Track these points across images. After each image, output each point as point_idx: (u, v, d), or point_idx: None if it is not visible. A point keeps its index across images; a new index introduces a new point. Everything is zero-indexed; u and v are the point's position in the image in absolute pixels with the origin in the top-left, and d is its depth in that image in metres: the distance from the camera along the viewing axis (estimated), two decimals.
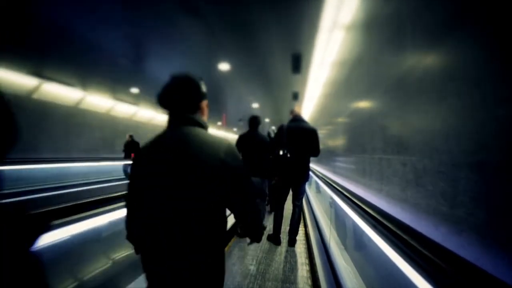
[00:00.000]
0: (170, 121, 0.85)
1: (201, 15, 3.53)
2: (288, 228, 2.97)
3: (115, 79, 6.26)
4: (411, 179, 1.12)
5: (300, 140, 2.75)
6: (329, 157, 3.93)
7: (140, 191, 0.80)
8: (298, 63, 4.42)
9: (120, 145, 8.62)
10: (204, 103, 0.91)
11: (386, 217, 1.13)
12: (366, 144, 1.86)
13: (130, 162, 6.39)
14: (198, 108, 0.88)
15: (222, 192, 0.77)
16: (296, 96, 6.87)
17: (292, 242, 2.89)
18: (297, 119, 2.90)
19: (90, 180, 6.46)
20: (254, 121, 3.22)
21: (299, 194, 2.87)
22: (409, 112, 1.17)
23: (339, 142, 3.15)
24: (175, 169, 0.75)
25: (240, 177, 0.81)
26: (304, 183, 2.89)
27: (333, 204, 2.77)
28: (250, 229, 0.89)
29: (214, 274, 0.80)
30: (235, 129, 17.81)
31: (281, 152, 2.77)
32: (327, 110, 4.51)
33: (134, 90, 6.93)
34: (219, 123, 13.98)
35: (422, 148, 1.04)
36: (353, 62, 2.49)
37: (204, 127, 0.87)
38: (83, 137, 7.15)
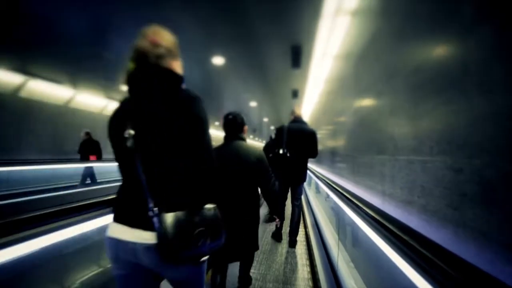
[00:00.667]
0: (228, 138, 1.57)
1: (192, 2, 3.15)
2: (288, 229, 3.00)
3: (105, 75, 5.88)
4: (472, 192, 0.74)
5: (300, 141, 2.80)
6: (333, 158, 3.56)
7: (222, 170, 1.35)
8: (298, 56, 4.03)
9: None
10: (245, 127, 1.60)
11: (418, 240, 0.76)
12: (385, 142, 1.48)
13: (92, 164, 5.77)
14: (242, 130, 1.58)
15: (258, 173, 1.51)
16: (295, 94, 6.49)
17: (292, 243, 2.89)
18: (297, 120, 2.94)
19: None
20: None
21: (298, 194, 2.93)
22: (461, 97, 0.78)
23: (345, 142, 2.77)
24: (237, 162, 1.48)
25: (266, 166, 1.53)
26: (302, 184, 2.96)
27: (329, 199, 2.71)
28: (274, 204, 1.60)
29: (255, 213, 1.57)
30: None
31: (281, 151, 2.80)
32: (330, 108, 4.13)
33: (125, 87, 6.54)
34: (217, 123, 13.60)
35: (495, 146, 0.65)
36: (361, 51, 2.12)
37: (245, 140, 1.59)
38: (73, 138, 6.75)
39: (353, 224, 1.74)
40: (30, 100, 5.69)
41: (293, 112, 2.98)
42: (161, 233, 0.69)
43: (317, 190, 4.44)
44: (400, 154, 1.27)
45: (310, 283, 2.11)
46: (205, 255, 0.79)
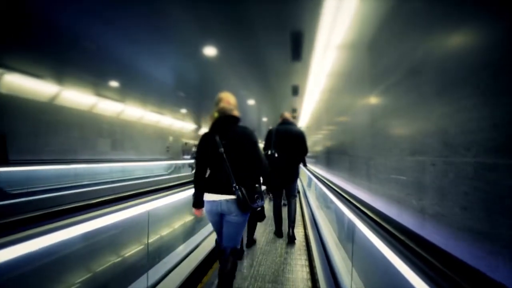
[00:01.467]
0: None
1: None
2: (287, 230, 3.16)
3: (93, 71, 5.43)
4: None
5: (288, 141, 2.99)
6: (337, 160, 3.10)
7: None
8: (298, 46, 3.58)
9: (103, 146, 7.77)
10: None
11: None
12: (426, 138, 1.02)
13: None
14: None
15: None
16: (296, 91, 6.03)
17: (291, 239, 3.04)
18: (285, 122, 3.14)
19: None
20: None
21: (292, 191, 3.11)
22: None
23: (354, 141, 2.32)
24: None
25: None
26: (295, 180, 3.14)
27: (333, 206, 2.41)
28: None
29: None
30: None
31: (269, 152, 2.96)
32: (334, 103, 3.68)
33: (115, 84, 6.07)
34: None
35: None
36: (379, 25, 1.68)
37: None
38: (58, 136, 6.29)
39: (372, 247, 1.29)
40: (7, 95, 5.23)
41: (281, 115, 3.26)
42: (239, 197, 1.50)
43: (316, 188, 4.26)
44: (458, 155, 0.81)
45: (309, 284, 2.09)
46: (259, 207, 1.62)
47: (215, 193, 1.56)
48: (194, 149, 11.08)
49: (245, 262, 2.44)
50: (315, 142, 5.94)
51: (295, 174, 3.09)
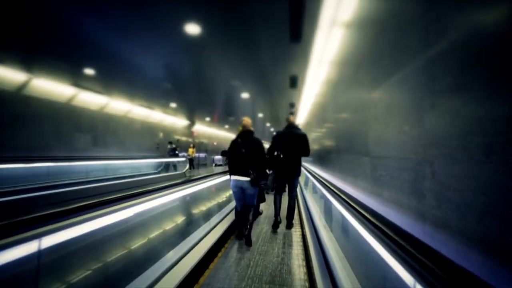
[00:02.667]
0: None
1: None
2: (285, 230, 3.39)
3: (69, 58, 4.63)
4: None
5: (292, 143, 3.32)
6: (357, 162, 2.42)
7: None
8: (298, 20, 2.86)
9: (83, 142, 7.00)
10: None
11: None
12: None
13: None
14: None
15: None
16: (294, 82, 5.31)
17: (289, 226, 3.45)
18: (290, 126, 3.46)
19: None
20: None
21: (293, 187, 3.42)
22: None
23: (382, 135, 1.63)
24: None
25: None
26: (297, 178, 3.45)
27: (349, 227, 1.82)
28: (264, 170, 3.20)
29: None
30: (226, 126, 16.18)
31: (275, 153, 3.36)
32: (346, 91, 2.99)
33: (90, 71, 5.28)
34: (208, 119, 12.36)
35: None
36: None
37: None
38: (26, 131, 5.51)
39: None
40: None
41: (287, 119, 3.54)
42: (253, 177, 2.75)
43: (314, 190, 3.77)
44: None
45: (307, 284, 2.05)
46: (263, 184, 3.23)
47: (239, 175, 2.80)
48: (169, 146, 10.24)
49: (242, 262, 2.39)
50: (315, 139, 5.25)
51: (298, 172, 3.44)
